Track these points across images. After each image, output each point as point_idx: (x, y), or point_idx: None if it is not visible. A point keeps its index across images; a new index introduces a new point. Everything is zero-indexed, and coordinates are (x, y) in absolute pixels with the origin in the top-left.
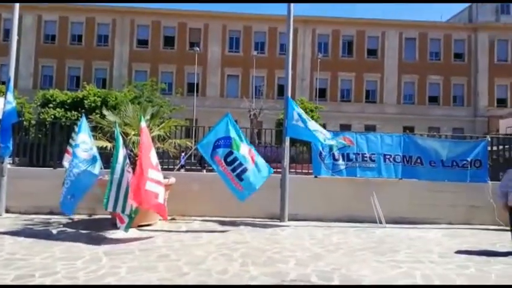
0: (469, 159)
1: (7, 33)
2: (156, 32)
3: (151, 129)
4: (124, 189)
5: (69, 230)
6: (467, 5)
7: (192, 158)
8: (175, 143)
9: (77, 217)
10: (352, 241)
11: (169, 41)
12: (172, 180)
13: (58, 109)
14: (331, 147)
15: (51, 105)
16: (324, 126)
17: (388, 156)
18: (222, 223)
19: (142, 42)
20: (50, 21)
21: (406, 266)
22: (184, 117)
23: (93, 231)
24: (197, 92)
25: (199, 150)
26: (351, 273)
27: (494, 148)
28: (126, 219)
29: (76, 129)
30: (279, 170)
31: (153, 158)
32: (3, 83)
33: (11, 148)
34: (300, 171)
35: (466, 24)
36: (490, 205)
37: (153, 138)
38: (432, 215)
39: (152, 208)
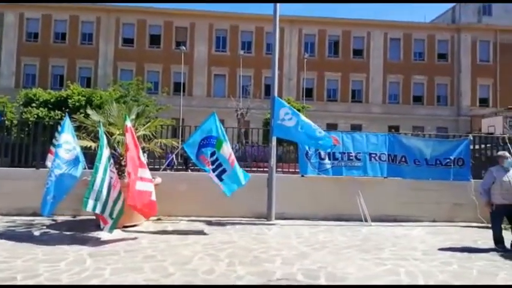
0: (452, 157)
1: None
2: (141, 30)
3: (136, 129)
4: (106, 190)
5: (52, 231)
6: (450, 6)
7: (179, 157)
8: (161, 142)
9: (60, 218)
10: (338, 239)
11: (155, 40)
12: (158, 180)
13: (41, 108)
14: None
15: (34, 104)
16: None
17: (374, 155)
18: (209, 223)
19: (128, 41)
20: (32, 19)
21: (390, 264)
22: (170, 116)
23: (77, 232)
24: (184, 91)
25: (185, 150)
26: (337, 271)
27: (477, 147)
28: (110, 221)
29: (59, 128)
30: (266, 169)
31: (142, 157)
32: None
33: None
34: (287, 170)
35: (449, 25)
36: (473, 203)
37: (138, 138)
38: (417, 213)
39: (145, 207)
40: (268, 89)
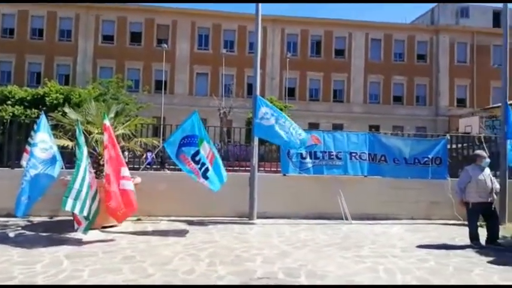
0: (430, 156)
1: None
2: (122, 27)
3: (115, 128)
4: (86, 189)
5: (28, 232)
6: (430, 7)
7: (159, 157)
8: (141, 141)
9: (36, 219)
10: (319, 237)
11: (135, 37)
12: (137, 179)
13: (17, 106)
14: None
15: (9, 102)
16: None
17: (354, 154)
18: (190, 223)
19: (108, 38)
20: (8, 14)
21: (369, 261)
22: (151, 115)
23: (54, 233)
24: (165, 89)
25: (166, 149)
26: (317, 269)
27: (454, 146)
28: (84, 222)
29: (35, 127)
30: (248, 168)
31: (122, 156)
32: None
33: None
34: (269, 169)
35: (428, 26)
36: (450, 201)
37: (117, 137)
38: (396, 211)
39: (128, 206)
40: (251, 88)
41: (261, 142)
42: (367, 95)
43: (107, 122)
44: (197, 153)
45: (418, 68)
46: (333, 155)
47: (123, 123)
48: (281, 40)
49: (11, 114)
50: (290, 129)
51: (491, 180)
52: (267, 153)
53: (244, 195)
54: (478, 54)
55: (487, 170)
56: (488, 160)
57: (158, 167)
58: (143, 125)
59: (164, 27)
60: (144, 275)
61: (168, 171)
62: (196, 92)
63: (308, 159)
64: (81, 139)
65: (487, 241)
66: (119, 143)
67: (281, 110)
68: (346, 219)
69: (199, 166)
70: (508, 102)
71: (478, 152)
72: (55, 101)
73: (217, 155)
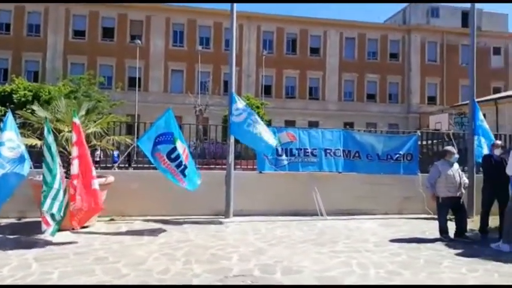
0: (401, 152)
1: None
2: (93, 22)
3: (86, 126)
4: (55, 190)
5: None
6: (402, 6)
7: (135, 155)
8: (113, 139)
9: (4, 221)
10: (295, 234)
11: (108, 33)
12: (110, 179)
13: None
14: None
15: None
16: (269, 122)
17: (329, 151)
18: (165, 222)
19: (79, 33)
20: None
21: (344, 256)
22: (125, 113)
23: (22, 235)
24: (139, 86)
25: (140, 147)
26: (292, 265)
27: (424, 142)
28: (52, 223)
29: (1, 125)
30: (224, 166)
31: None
32: None
33: None
34: (246, 167)
35: (400, 26)
36: (420, 195)
37: (89, 135)
38: (369, 206)
39: (93, 209)
40: (227, 85)
41: (238, 140)
42: (342, 93)
43: (76, 120)
44: (173, 150)
45: (390, 66)
46: (308, 152)
47: (95, 121)
48: (257, 37)
49: None
50: (259, 132)
51: (459, 175)
52: (244, 151)
53: (220, 193)
54: (447, 54)
55: (456, 166)
56: (457, 156)
57: (126, 165)
58: (116, 123)
59: (138, 23)
60: (118, 276)
61: (148, 170)
62: (172, 89)
63: (284, 157)
64: (50, 138)
65: (455, 234)
66: (90, 142)
67: (258, 107)
68: (322, 215)
69: (175, 164)
70: (476, 100)
71: (448, 148)
72: (23, 99)
73: (190, 155)
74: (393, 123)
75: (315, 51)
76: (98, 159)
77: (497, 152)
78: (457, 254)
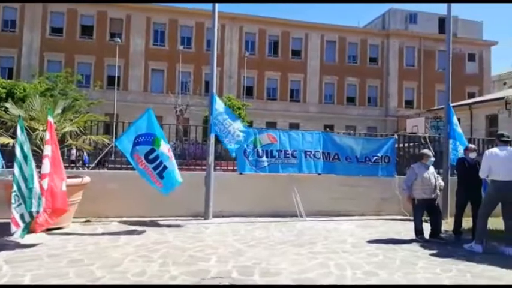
0: (379, 155)
1: None
2: (71, 19)
3: (62, 125)
4: (35, 189)
5: None
6: (385, 10)
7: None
8: (90, 139)
9: None
10: (274, 235)
11: (87, 30)
12: (86, 179)
13: None
14: (255, 144)
15: None
16: (250, 123)
17: (309, 153)
18: (143, 223)
19: (56, 30)
20: None
21: (322, 257)
22: (104, 112)
23: None
24: (118, 85)
25: (118, 147)
26: (270, 267)
27: (401, 145)
28: (22, 224)
29: None
30: (205, 167)
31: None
32: None
33: None
34: (226, 168)
35: (379, 31)
36: (397, 197)
37: (64, 134)
38: (347, 208)
39: (60, 210)
40: (208, 86)
41: (219, 141)
42: (322, 96)
43: (50, 119)
44: (152, 151)
45: (370, 70)
46: (288, 153)
47: (71, 120)
48: (239, 38)
49: None
50: (229, 129)
51: (435, 177)
52: (225, 152)
53: (200, 194)
54: (425, 59)
55: (432, 168)
56: (433, 159)
57: (93, 165)
58: (93, 122)
59: (117, 21)
60: (92, 279)
61: (115, 170)
62: (152, 88)
63: (264, 158)
64: (22, 136)
65: (430, 235)
66: (66, 141)
67: (239, 108)
68: (301, 216)
69: (153, 166)
70: (451, 105)
71: (424, 151)
72: None
73: (172, 156)
74: (372, 126)
75: (296, 53)
76: (73, 158)
77: (471, 155)
78: (432, 255)
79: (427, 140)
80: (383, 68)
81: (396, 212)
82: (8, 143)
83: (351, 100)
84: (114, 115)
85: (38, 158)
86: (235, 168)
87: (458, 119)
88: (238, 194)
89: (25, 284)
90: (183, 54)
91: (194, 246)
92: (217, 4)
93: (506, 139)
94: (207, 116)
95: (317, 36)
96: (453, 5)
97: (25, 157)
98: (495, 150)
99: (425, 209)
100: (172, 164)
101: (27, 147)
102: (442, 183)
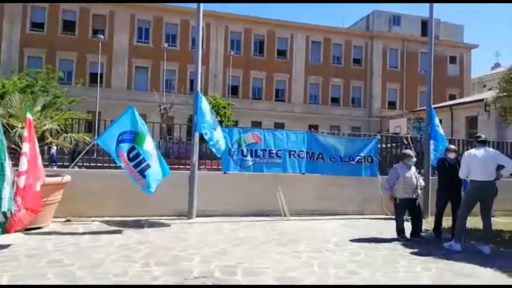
0: (363, 155)
1: None
2: (53, 15)
3: (42, 122)
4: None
5: None
6: (369, 12)
7: (95, 154)
8: (71, 137)
9: None
10: (258, 234)
11: (69, 26)
12: (67, 178)
13: None
14: (239, 143)
15: None
16: (236, 123)
17: (293, 153)
18: (125, 223)
19: (37, 25)
20: None
21: (305, 256)
22: (86, 109)
23: None
24: (101, 83)
25: (100, 145)
26: (254, 266)
27: (384, 146)
28: None
29: None
30: (189, 166)
31: (39, 155)
32: None
33: None
34: (211, 167)
35: (364, 32)
36: (379, 197)
37: (44, 132)
38: (331, 207)
39: (35, 211)
40: (193, 84)
41: (204, 140)
42: (307, 96)
43: (29, 116)
44: (132, 149)
45: (354, 71)
46: (273, 153)
47: (52, 118)
48: (225, 37)
49: None
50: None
51: (416, 177)
52: (210, 151)
53: (183, 193)
54: (407, 61)
55: (413, 168)
56: (414, 159)
57: (60, 164)
58: (74, 120)
59: (100, 18)
60: (72, 279)
61: (108, 169)
62: (136, 86)
63: (249, 157)
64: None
65: (411, 234)
66: (46, 139)
67: (224, 107)
68: (285, 215)
69: (134, 164)
70: (432, 106)
71: (406, 151)
72: None
73: (158, 152)
74: (356, 126)
75: (282, 53)
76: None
77: (451, 155)
78: (413, 253)
79: (409, 140)
80: (367, 69)
81: (379, 212)
82: None
83: (335, 100)
84: (97, 113)
85: (16, 156)
86: (219, 167)
87: (440, 120)
88: (222, 193)
89: (3, 284)
90: (167, 52)
91: (177, 246)
92: (202, 4)
93: (484, 140)
94: (191, 115)
95: (302, 37)
96: (435, 8)
97: (1, 155)
98: (473, 151)
99: (406, 208)
100: (155, 163)
101: (3, 145)
102: (423, 183)
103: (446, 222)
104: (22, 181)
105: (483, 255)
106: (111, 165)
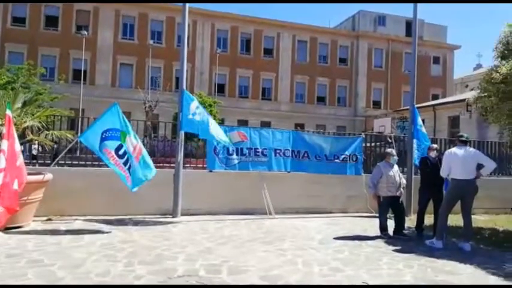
0: (347, 153)
1: None
2: (35, 10)
3: (23, 119)
4: None
5: None
6: (355, 12)
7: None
8: (52, 134)
9: None
10: (243, 233)
11: (51, 21)
12: (48, 176)
13: None
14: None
15: None
16: (222, 121)
17: (279, 151)
18: (108, 222)
19: (19, 20)
20: None
21: (290, 254)
22: (69, 106)
23: None
24: (85, 80)
25: (83, 143)
26: (239, 264)
27: (368, 144)
28: None
29: None
30: (174, 164)
31: (19, 153)
32: None
33: None
34: (196, 165)
35: (349, 32)
36: (363, 195)
37: (25, 129)
38: (316, 205)
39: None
40: (179, 82)
41: (189, 138)
42: (294, 95)
43: (9, 113)
44: (120, 147)
45: (339, 70)
46: (258, 151)
47: (33, 115)
48: (211, 35)
49: None
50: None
51: (399, 176)
52: (195, 149)
53: (168, 192)
54: (392, 60)
55: (396, 167)
56: (396, 158)
57: (35, 161)
58: (57, 117)
59: (84, 13)
60: (53, 280)
61: (91, 167)
62: (120, 83)
63: (234, 156)
64: None
65: (394, 232)
66: (26, 136)
67: (210, 105)
68: (270, 214)
69: (123, 161)
70: (415, 106)
71: (388, 150)
72: None
73: (144, 150)
74: (341, 125)
75: (268, 52)
76: (35, 153)
77: (433, 154)
78: (395, 251)
79: (393, 139)
80: (352, 69)
81: (362, 210)
82: None
83: (321, 100)
84: (80, 110)
85: None
86: (205, 166)
87: (423, 120)
88: (207, 191)
89: None
90: (153, 49)
91: (161, 244)
92: (187, 4)
93: (465, 139)
94: (177, 113)
95: (289, 36)
96: (419, 9)
97: None
98: (454, 150)
99: (389, 206)
100: (137, 162)
101: None
102: (405, 182)
103: (428, 220)
104: (0, 179)
105: (464, 252)
106: (94, 163)
